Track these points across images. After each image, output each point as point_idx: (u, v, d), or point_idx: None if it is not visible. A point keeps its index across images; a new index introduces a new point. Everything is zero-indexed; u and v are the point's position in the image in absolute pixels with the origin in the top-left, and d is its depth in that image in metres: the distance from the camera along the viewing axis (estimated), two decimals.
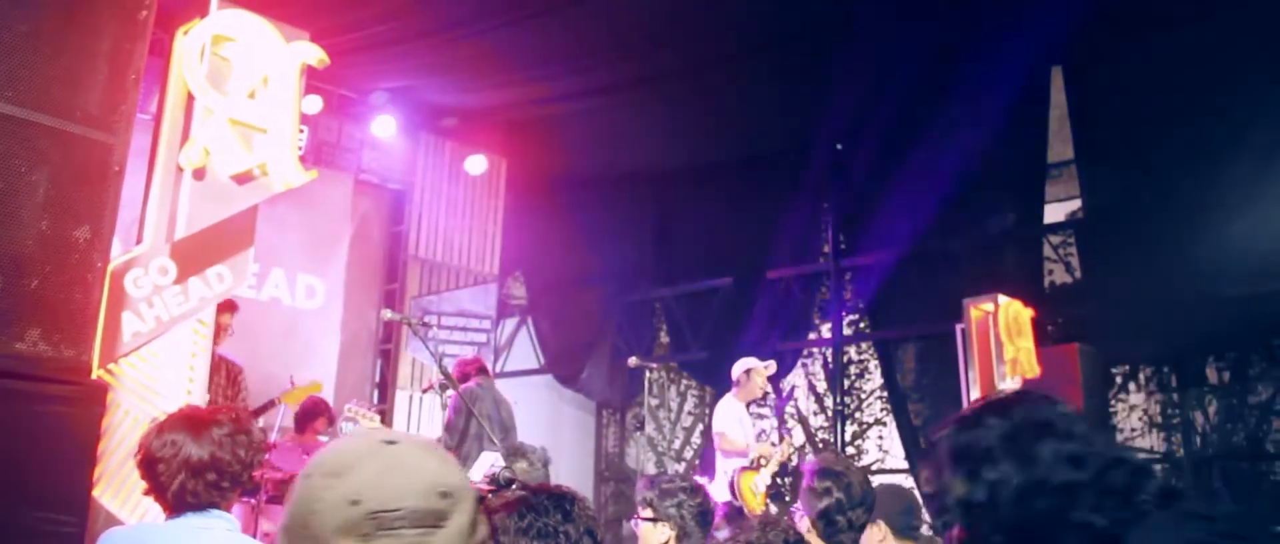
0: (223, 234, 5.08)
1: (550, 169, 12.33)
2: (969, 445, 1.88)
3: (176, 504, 3.01)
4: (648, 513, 3.83)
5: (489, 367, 8.69)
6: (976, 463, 1.85)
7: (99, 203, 4.02)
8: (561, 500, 2.51)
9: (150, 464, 3.00)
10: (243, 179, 5.18)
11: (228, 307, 6.41)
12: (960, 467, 1.87)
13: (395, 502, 1.42)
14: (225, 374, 6.59)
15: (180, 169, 4.99)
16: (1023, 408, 1.92)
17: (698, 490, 3.85)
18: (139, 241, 4.87)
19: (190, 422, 3.09)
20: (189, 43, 5.08)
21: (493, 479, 3.87)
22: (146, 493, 3.05)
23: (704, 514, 3.79)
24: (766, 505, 8.08)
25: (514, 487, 2.89)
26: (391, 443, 1.51)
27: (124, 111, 4.15)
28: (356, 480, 1.44)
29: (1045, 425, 1.86)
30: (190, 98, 5.06)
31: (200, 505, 3.00)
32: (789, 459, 8.91)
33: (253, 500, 7.09)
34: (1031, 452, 1.82)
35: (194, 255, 4.95)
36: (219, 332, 6.24)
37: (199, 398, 4.82)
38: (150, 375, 4.72)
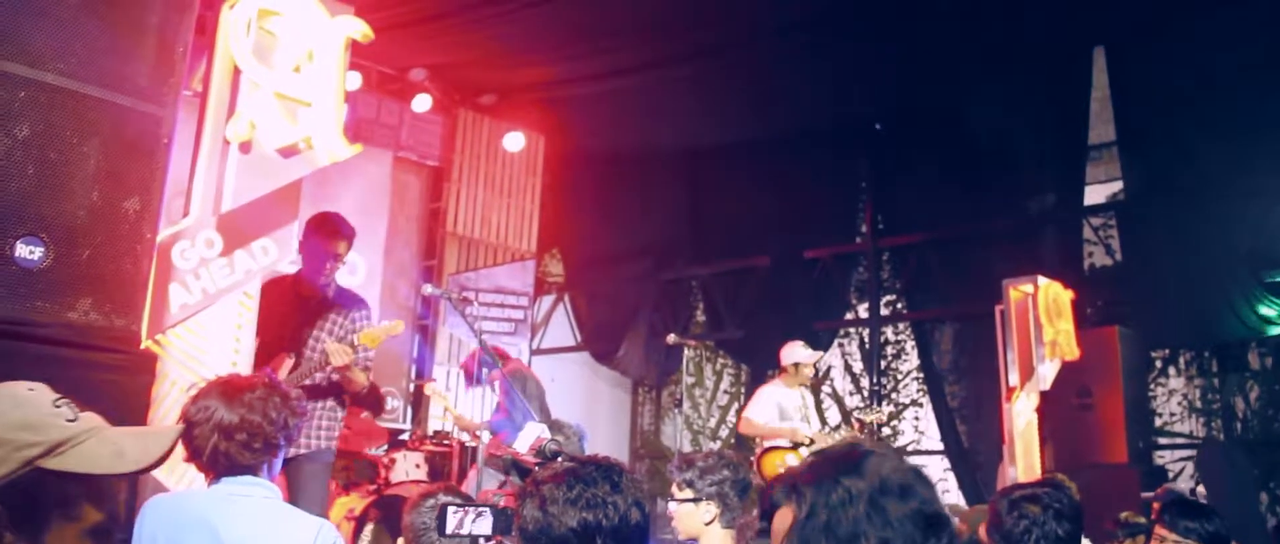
0: (268, 207, 5.10)
1: (588, 146, 12.34)
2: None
3: (212, 467, 3.05)
4: (688, 493, 3.83)
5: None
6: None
7: (148, 174, 4.05)
8: (609, 471, 2.52)
9: (188, 429, 3.04)
10: (288, 152, 5.20)
11: (347, 237, 5.73)
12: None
13: None
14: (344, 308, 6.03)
15: (226, 142, 5.01)
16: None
17: (737, 465, 3.85)
18: (186, 214, 4.90)
19: (224, 386, 3.14)
20: (235, 16, 5.10)
21: (539, 451, 3.89)
22: (187, 460, 3.09)
23: (744, 488, 3.80)
24: None
25: (560, 459, 2.90)
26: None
27: (172, 84, 4.19)
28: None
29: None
30: (236, 71, 5.07)
31: (235, 469, 3.03)
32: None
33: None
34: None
35: (240, 228, 4.98)
36: (336, 260, 5.75)
37: (244, 369, 4.86)
38: (197, 346, 4.76)
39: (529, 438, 4.04)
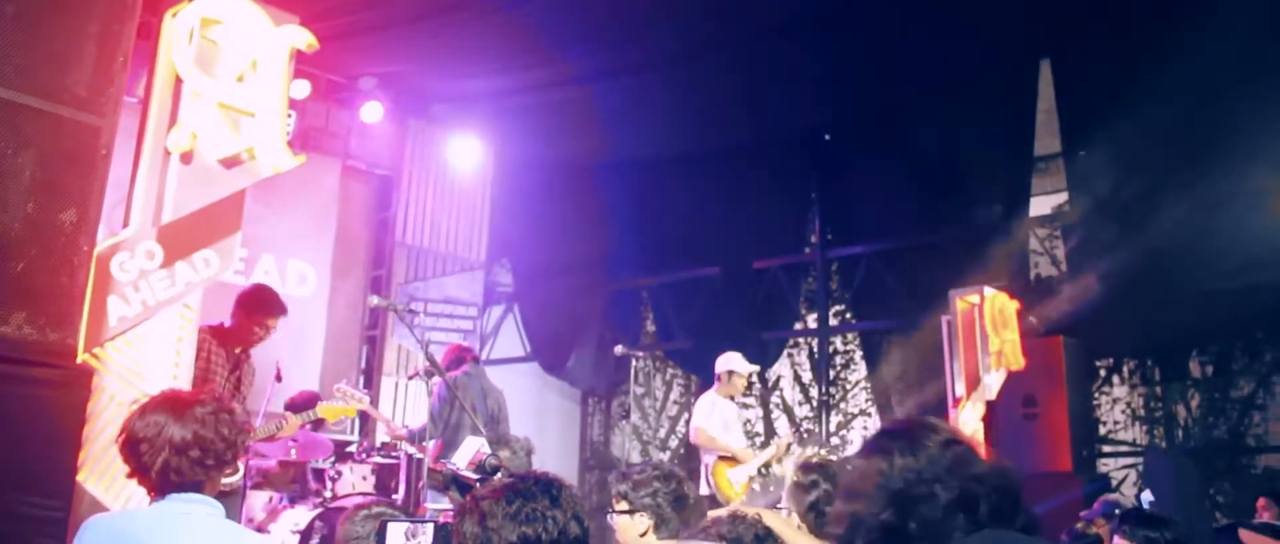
0: (210, 218, 5.04)
1: (538, 156, 12.31)
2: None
3: (160, 485, 3.01)
4: (623, 506, 3.83)
5: (479, 355, 8.67)
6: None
7: (86, 186, 4.00)
8: (548, 486, 2.53)
9: (133, 445, 3.01)
10: (230, 163, 5.14)
11: (276, 309, 6.50)
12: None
13: None
14: (246, 370, 6.66)
15: (167, 152, 4.95)
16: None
17: (671, 476, 3.84)
18: (125, 225, 4.84)
19: (173, 402, 3.10)
20: (177, 25, 5.04)
21: (479, 465, 3.87)
22: (130, 475, 3.05)
23: (678, 500, 3.79)
24: (747, 496, 8.11)
25: (500, 474, 2.89)
26: None
27: (112, 94, 4.14)
28: None
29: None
30: (178, 81, 5.01)
31: (184, 486, 3.00)
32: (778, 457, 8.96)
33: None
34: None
35: (181, 239, 4.91)
36: (266, 333, 6.49)
37: (184, 382, 4.80)
38: (136, 360, 4.69)
39: (468, 453, 4.02)
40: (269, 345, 9.30)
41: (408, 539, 2.85)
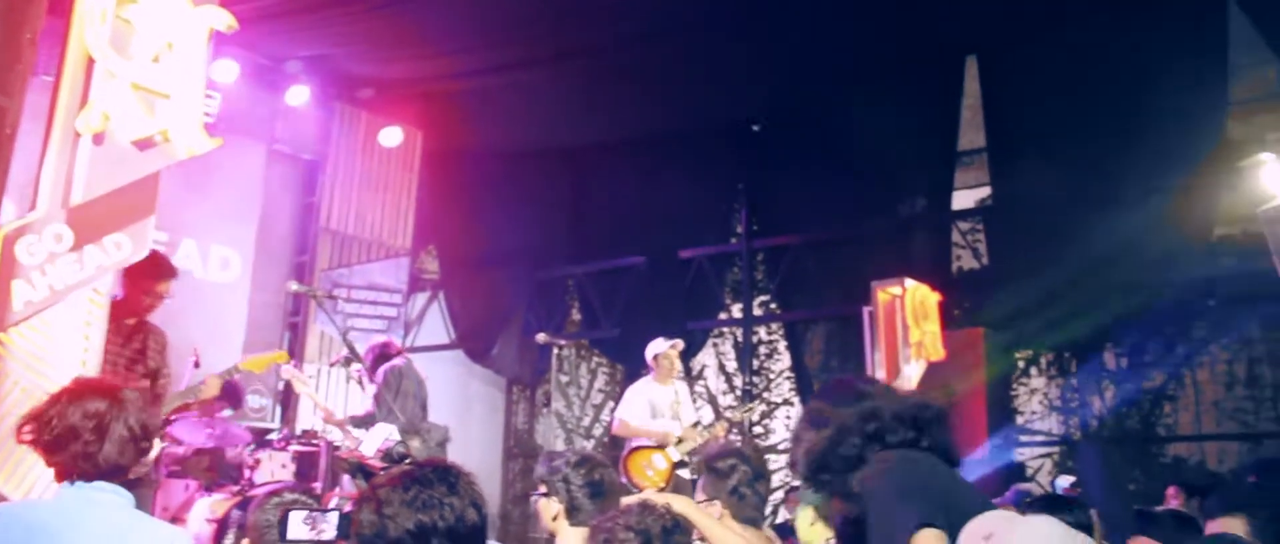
0: (122, 201, 4.94)
1: (465, 143, 12.23)
2: None
3: (67, 474, 3.01)
4: (542, 488, 3.85)
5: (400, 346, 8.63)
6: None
7: None
8: (446, 473, 2.53)
9: (40, 433, 3.01)
10: (144, 145, 5.04)
11: (165, 273, 6.30)
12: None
13: None
14: (151, 339, 6.45)
15: (78, 134, 4.84)
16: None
17: (587, 464, 3.83)
18: (33, 208, 4.73)
19: (87, 388, 3.08)
20: (91, 3, 4.93)
21: (387, 454, 3.85)
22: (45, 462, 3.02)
23: (594, 487, 3.78)
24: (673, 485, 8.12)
25: (407, 462, 2.89)
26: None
27: (19, 72, 4.03)
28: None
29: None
30: (90, 60, 4.91)
31: (91, 474, 2.98)
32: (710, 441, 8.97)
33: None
34: None
35: (91, 222, 4.81)
36: (157, 299, 6.26)
37: (93, 369, 4.71)
38: (42, 345, 4.59)
39: (376, 441, 4.00)
40: (187, 331, 9.23)
41: (310, 528, 2.81)
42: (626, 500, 3.45)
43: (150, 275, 6.17)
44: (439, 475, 2.52)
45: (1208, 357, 9.89)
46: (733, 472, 4.15)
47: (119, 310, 5.95)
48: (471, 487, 2.55)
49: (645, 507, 3.21)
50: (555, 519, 3.80)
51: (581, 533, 3.60)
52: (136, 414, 3.08)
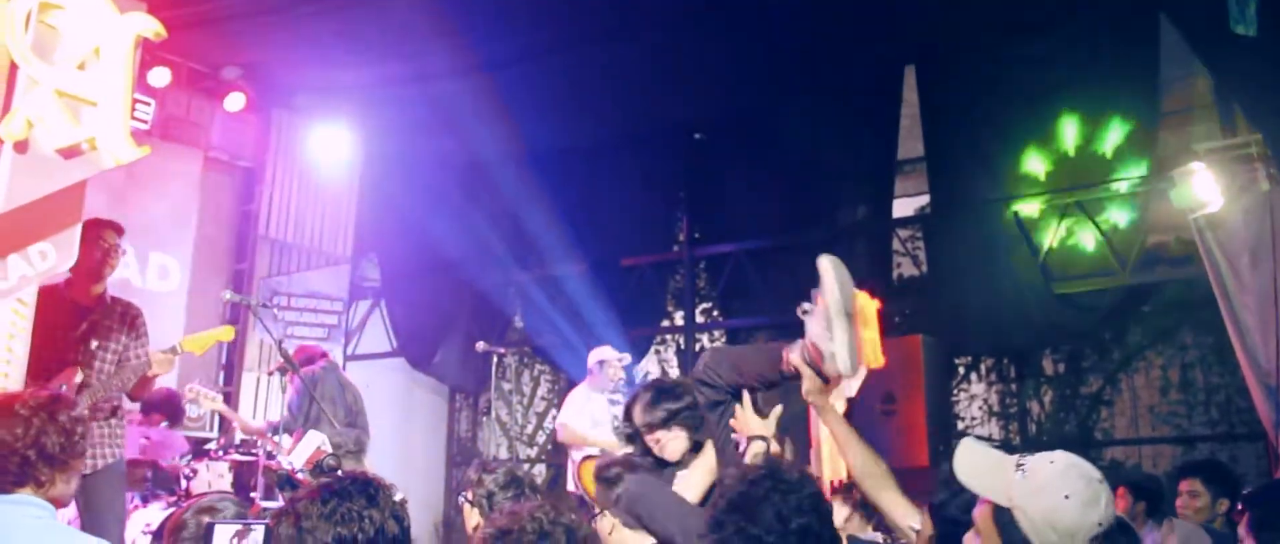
0: (46, 210, 4.88)
1: (406, 150, 12.16)
2: None
3: None
4: (469, 494, 3.84)
5: (331, 355, 8.55)
6: None
7: None
8: (366, 485, 2.51)
9: None
10: (69, 153, 4.98)
11: (114, 227, 5.81)
12: None
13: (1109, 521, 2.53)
14: (122, 316, 6.01)
15: (0, 141, 4.78)
16: None
17: (514, 485, 3.81)
18: None
19: (4, 403, 3.06)
20: (13, 9, 4.86)
21: (317, 465, 3.82)
22: None
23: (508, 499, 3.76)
24: None
25: (338, 474, 2.86)
26: (1102, 481, 2.55)
27: None
28: (1102, 511, 2.52)
29: None
30: (13, 67, 4.85)
31: (13, 487, 2.97)
32: None
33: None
34: None
35: (14, 231, 4.75)
36: (108, 253, 5.76)
37: (16, 380, 4.64)
38: None
39: (306, 451, 3.97)
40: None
41: (237, 541, 2.79)
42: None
43: (95, 229, 5.60)
44: (358, 488, 2.50)
45: (1143, 362, 10.04)
46: (618, 481, 4.13)
47: (81, 280, 5.66)
48: (391, 499, 2.53)
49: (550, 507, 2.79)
50: (475, 529, 3.79)
51: None
52: (67, 424, 3.05)
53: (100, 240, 5.64)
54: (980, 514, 2.68)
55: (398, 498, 2.57)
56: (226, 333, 6.84)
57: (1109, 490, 2.58)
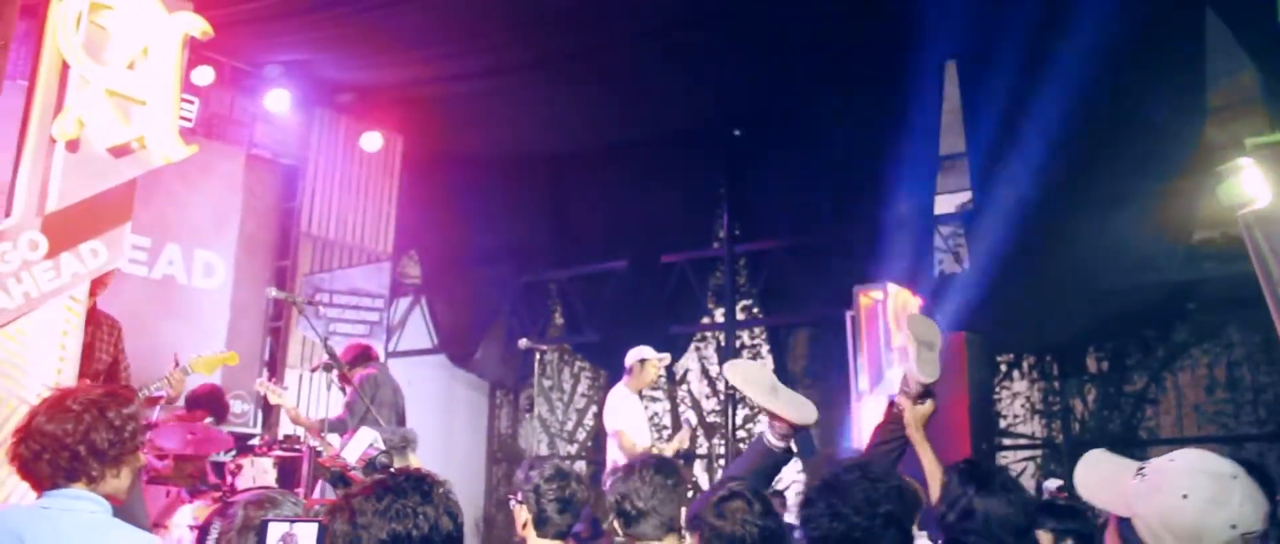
0: (98, 208, 4.92)
1: (447, 148, 12.21)
2: None
3: (43, 482, 3.00)
4: (517, 494, 3.83)
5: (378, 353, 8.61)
6: None
7: None
8: (420, 482, 2.51)
9: (18, 442, 3.01)
10: (120, 152, 5.03)
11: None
12: None
13: (1257, 524, 2.21)
14: (106, 328, 6.45)
15: (53, 140, 4.83)
16: None
17: (560, 478, 3.78)
18: (8, 214, 4.71)
19: (58, 398, 3.08)
20: (65, 9, 4.91)
21: (369, 463, 3.83)
22: (17, 473, 3.04)
23: (563, 502, 3.73)
24: None
25: (391, 471, 2.87)
26: (1234, 476, 2.28)
27: None
28: (1234, 510, 2.21)
29: None
30: (65, 66, 4.89)
31: (64, 482, 2.98)
32: (684, 446, 9.00)
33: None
34: None
35: (67, 229, 4.79)
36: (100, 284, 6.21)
37: (70, 378, 4.69)
38: (17, 354, 4.57)
39: (359, 449, 3.97)
40: (170, 336, 9.21)
41: (289, 539, 2.79)
42: None
43: None
44: (413, 484, 2.50)
45: (1188, 360, 9.92)
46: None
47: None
48: (446, 496, 2.53)
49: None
50: (524, 527, 3.78)
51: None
52: (118, 420, 3.07)
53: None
54: (1109, 536, 2.47)
55: (451, 494, 2.58)
56: (232, 357, 7.20)
57: (1250, 487, 2.29)
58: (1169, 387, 9.99)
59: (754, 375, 4.68)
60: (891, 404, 4.73)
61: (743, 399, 11.49)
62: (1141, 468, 2.40)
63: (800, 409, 4.51)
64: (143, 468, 6.93)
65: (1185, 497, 2.25)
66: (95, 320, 6.27)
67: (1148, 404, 9.99)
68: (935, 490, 4.01)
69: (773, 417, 4.45)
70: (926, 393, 4.62)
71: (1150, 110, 8.81)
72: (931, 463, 4.24)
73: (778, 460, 4.60)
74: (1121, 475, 2.44)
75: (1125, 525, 2.38)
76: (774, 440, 4.45)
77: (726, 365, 4.95)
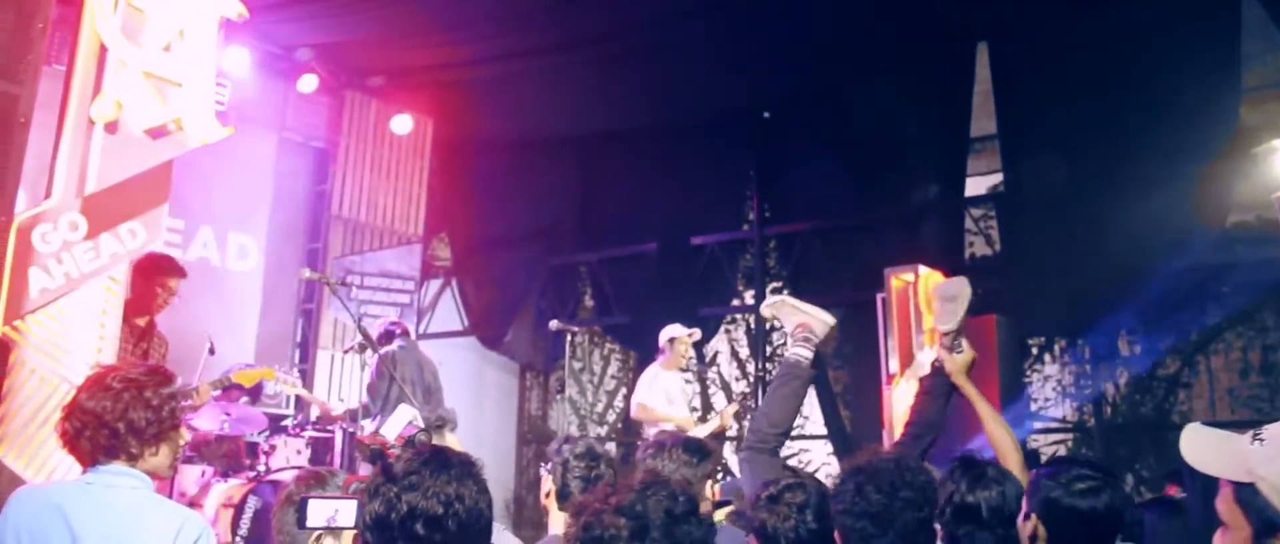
0: (136, 189, 4.97)
1: (477, 130, 12.24)
2: None
3: (83, 457, 3.07)
4: (548, 464, 3.88)
5: (411, 329, 8.63)
6: None
7: (3, 155, 3.92)
8: (454, 460, 2.52)
9: (64, 419, 3.07)
10: (157, 133, 5.07)
11: (175, 271, 6.48)
12: None
13: None
14: (156, 344, 6.65)
15: (92, 122, 4.87)
16: None
17: (589, 457, 3.81)
18: (48, 196, 4.76)
19: (101, 375, 3.12)
20: None
21: (408, 441, 3.84)
22: (64, 448, 3.09)
23: (587, 481, 3.76)
24: None
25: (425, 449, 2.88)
26: None
27: (31, 61, 4.06)
28: None
29: None
30: (102, 49, 4.94)
31: (104, 459, 3.02)
32: (726, 428, 9.05)
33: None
34: None
35: (105, 210, 4.85)
36: (169, 295, 6.63)
37: (109, 357, 4.74)
38: (58, 333, 4.63)
39: (398, 425, 3.99)
40: (203, 319, 9.28)
41: (329, 515, 2.81)
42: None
43: (163, 271, 6.54)
44: (448, 464, 2.51)
45: (1222, 344, 9.85)
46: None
47: (130, 309, 6.11)
48: (481, 477, 2.54)
49: (650, 486, 2.70)
50: (547, 496, 3.83)
51: (563, 517, 3.60)
52: (156, 400, 3.11)
53: (166, 284, 6.65)
54: (1222, 502, 2.48)
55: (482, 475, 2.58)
56: (269, 373, 7.36)
57: None
58: (1202, 371, 9.92)
59: (783, 299, 5.32)
60: (922, 381, 5.08)
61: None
62: (1258, 434, 2.42)
63: (823, 315, 5.17)
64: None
65: None
66: (154, 333, 6.49)
67: (1181, 388, 9.93)
68: (991, 426, 4.41)
69: (802, 325, 4.92)
70: (957, 340, 4.97)
71: (1184, 91, 8.71)
72: (982, 405, 4.56)
73: (805, 377, 5.08)
74: (1234, 443, 2.46)
75: (1245, 490, 2.39)
76: (800, 350, 4.86)
77: (762, 306, 5.37)
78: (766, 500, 3.32)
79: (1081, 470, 3.14)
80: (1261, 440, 2.39)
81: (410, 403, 5.27)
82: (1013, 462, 4.10)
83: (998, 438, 4.36)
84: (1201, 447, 2.54)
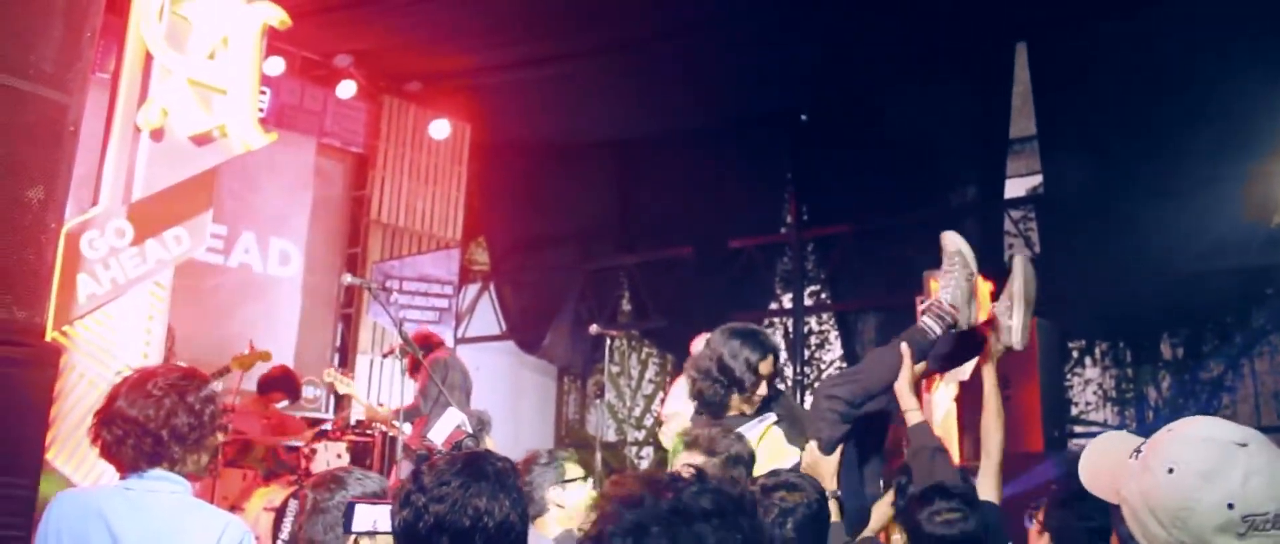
0: (181, 196, 5.03)
1: (514, 135, 12.28)
2: None
3: (124, 464, 3.03)
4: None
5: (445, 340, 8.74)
6: None
7: (53, 163, 3.95)
8: (491, 466, 2.49)
9: (101, 424, 3.03)
10: (202, 140, 5.13)
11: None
12: None
13: (1269, 506, 1.70)
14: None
15: (138, 129, 4.93)
16: None
17: (557, 465, 3.88)
18: (95, 203, 4.82)
19: (140, 381, 3.10)
20: (148, 2, 5.00)
21: (456, 445, 3.87)
22: (101, 454, 3.07)
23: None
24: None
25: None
26: (1243, 445, 1.76)
27: (79, 69, 4.09)
28: (1233, 486, 1.71)
29: None
30: (148, 57, 4.99)
31: (147, 465, 3.01)
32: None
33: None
34: None
35: (151, 217, 4.90)
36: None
37: (155, 358, 4.80)
38: (106, 337, 4.68)
39: (446, 429, 4.01)
40: (243, 323, 9.37)
41: (373, 522, 2.82)
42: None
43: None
44: (483, 470, 2.48)
45: (1267, 347, 9.71)
46: None
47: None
48: (516, 483, 2.52)
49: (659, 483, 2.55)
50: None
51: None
52: (197, 404, 3.11)
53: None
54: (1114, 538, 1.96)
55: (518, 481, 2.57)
56: (265, 355, 7.42)
57: (1264, 460, 1.75)
58: (1246, 374, 9.78)
59: (1030, 283, 4.50)
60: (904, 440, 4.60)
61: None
62: (1141, 445, 1.91)
63: (1018, 334, 4.42)
64: (220, 451, 7.09)
65: (1171, 470, 1.77)
66: None
67: (1224, 392, 9.79)
68: (990, 421, 4.21)
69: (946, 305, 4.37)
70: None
71: (1228, 89, 8.61)
72: (994, 399, 4.29)
73: (923, 348, 4.47)
74: (1120, 454, 1.95)
75: (1117, 513, 1.90)
76: (933, 324, 4.34)
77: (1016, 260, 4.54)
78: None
79: (946, 502, 3.18)
80: (1139, 453, 1.89)
81: (457, 408, 5.29)
82: (990, 465, 4.07)
83: (988, 434, 4.21)
84: (1097, 460, 2.05)
